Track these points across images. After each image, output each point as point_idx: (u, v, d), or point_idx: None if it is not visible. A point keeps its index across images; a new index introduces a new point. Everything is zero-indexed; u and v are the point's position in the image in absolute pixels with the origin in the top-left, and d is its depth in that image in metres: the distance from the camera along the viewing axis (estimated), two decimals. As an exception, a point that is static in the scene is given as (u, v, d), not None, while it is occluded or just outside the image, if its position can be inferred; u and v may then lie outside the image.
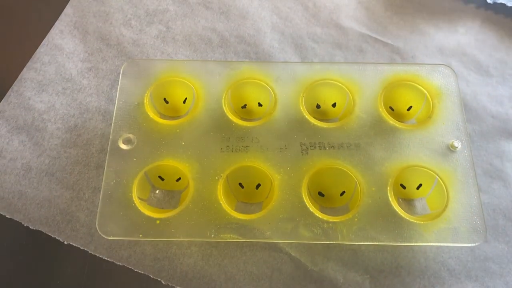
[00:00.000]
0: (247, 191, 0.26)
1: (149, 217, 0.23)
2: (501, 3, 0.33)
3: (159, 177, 0.26)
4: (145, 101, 0.26)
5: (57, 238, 0.25)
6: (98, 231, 0.23)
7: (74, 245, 0.25)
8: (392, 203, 0.24)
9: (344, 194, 0.26)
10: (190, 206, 0.24)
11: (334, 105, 0.28)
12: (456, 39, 0.33)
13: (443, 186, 0.24)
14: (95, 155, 0.28)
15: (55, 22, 0.31)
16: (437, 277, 0.25)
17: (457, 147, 0.25)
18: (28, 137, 0.28)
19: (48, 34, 0.31)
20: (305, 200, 0.24)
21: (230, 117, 0.26)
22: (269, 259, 0.25)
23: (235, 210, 0.24)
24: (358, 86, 0.27)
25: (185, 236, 0.23)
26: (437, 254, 0.26)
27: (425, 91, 0.27)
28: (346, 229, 0.23)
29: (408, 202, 0.27)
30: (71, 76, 0.29)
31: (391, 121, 0.26)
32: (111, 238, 0.23)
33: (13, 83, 0.29)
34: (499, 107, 0.30)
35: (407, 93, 0.27)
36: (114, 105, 0.26)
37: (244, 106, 0.28)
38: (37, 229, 0.26)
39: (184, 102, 0.28)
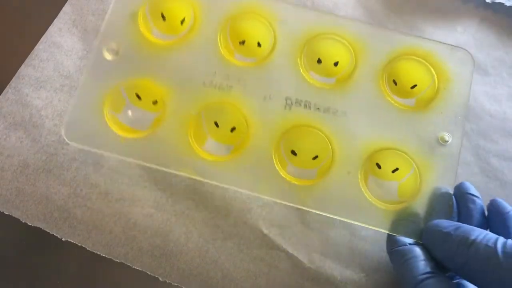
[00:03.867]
0: (221, 131, 0.25)
1: (115, 134, 0.23)
2: (499, 3, 0.33)
3: (136, 94, 0.25)
4: (139, 12, 0.24)
5: (55, 235, 0.25)
6: (63, 135, 0.22)
7: (72, 241, 0.25)
8: (359, 181, 0.23)
9: (317, 158, 0.24)
10: (159, 133, 0.23)
11: (336, 63, 0.26)
12: (454, 38, 0.33)
13: (418, 178, 0.23)
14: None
15: (54, 19, 0.31)
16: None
17: (447, 141, 0.24)
18: (25, 134, 0.28)
19: (47, 31, 0.30)
20: (273, 157, 0.23)
21: (222, 51, 0.25)
22: (266, 256, 0.25)
23: (205, 147, 0.23)
24: (366, 50, 0.25)
25: (143, 161, 0.22)
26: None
27: (434, 73, 0.25)
28: (306, 195, 0.22)
29: (378, 182, 0.25)
30: (69, 73, 0.29)
31: (388, 97, 0.24)
32: (73, 144, 0.22)
33: (11, 79, 0.29)
34: (497, 106, 0.30)
35: (415, 70, 0.25)
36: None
37: (243, 42, 0.26)
38: (35, 225, 0.26)
39: (182, 23, 0.26)
